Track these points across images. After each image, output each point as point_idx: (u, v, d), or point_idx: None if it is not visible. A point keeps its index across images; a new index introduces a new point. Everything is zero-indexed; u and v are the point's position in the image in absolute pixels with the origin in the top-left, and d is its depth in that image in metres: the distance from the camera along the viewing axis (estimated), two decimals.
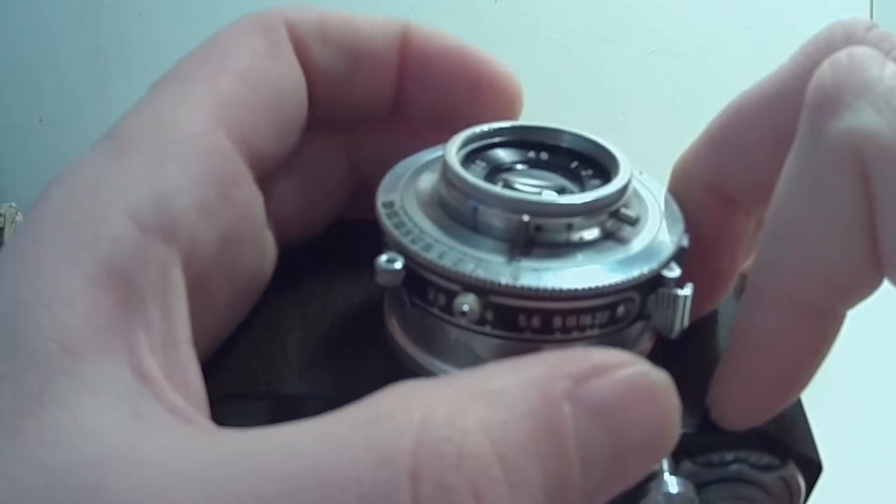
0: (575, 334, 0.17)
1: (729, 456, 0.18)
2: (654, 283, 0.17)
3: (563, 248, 0.17)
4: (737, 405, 0.18)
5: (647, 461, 0.14)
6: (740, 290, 0.20)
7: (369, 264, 0.17)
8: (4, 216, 0.75)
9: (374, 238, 0.18)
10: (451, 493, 0.11)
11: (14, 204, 0.77)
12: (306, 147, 0.20)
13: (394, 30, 0.20)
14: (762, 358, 0.17)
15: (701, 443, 0.18)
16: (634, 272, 0.16)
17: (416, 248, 0.16)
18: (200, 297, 0.16)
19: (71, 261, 0.14)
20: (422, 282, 0.17)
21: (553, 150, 0.20)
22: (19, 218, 0.77)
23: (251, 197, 0.18)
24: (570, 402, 0.13)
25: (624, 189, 0.18)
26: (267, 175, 0.18)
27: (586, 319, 0.17)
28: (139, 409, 0.13)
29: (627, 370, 0.14)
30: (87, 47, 0.75)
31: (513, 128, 0.20)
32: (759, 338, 0.17)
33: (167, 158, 0.16)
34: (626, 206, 0.18)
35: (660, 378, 0.14)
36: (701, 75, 0.69)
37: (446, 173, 0.18)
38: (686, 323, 0.17)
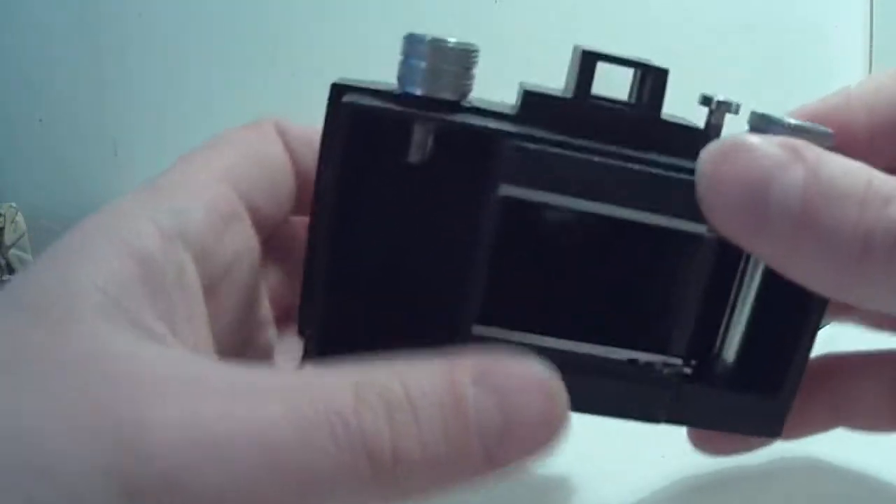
0: None
1: None
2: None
3: None
4: None
5: (537, 438, 0.18)
6: None
7: None
8: (4, 216, 0.75)
9: None
10: (376, 413, 0.17)
11: (14, 204, 0.77)
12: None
13: None
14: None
15: None
16: None
17: None
18: (212, 303, 0.21)
19: (105, 245, 0.18)
20: None
21: None
22: (19, 218, 0.77)
23: (250, 235, 0.23)
24: (473, 382, 0.18)
25: None
26: (266, 230, 0.24)
27: None
28: (149, 344, 0.18)
29: (521, 367, 0.19)
30: (87, 47, 0.75)
31: None
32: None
33: (185, 194, 0.21)
34: None
35: (550, 375, 0.19)
36: (701, 75, 0.69)
37: None
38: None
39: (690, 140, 0.22)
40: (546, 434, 0.18)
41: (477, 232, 0.21)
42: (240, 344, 0.23)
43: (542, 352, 0.21)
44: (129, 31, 0.75)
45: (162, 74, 0.75)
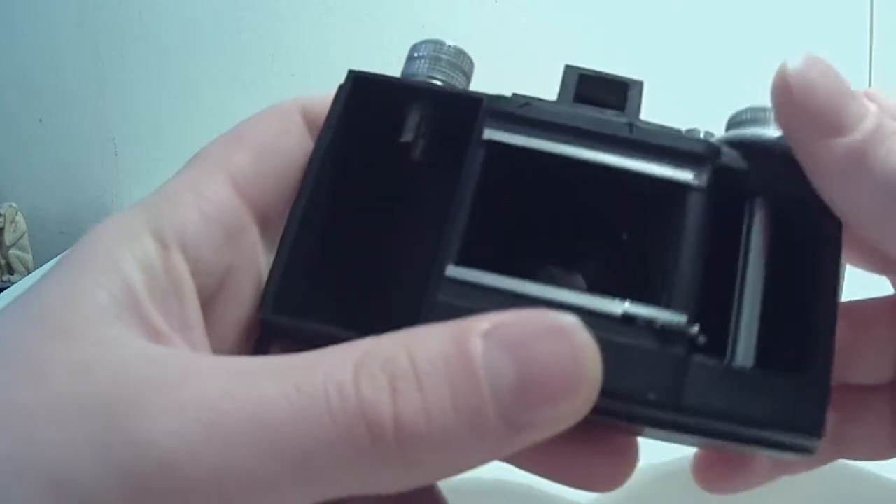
0: None
1: None
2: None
3: None
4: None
5: (561, 393, 0.16)
6: None
7: None
8: (4, 216, 0.75)
9: None
10: (376, 382, 0.16)
11: (14, 204, 0.77)
12: None
13: None
14: None
15: None
16: None
17: None
18: (209, 316, 0.20)
19: (109, 253, 0.18)
20: None
21: None
22: (19, 218, 0.77)
23: (254, 245, 0.22)
24: (482, 337, 0.16)
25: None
26: (273, 230, 0.23)
27: None
28: (152, 343, 0.18)
29: (538, 314, 0.17)
30: (87, 47, 0.75)
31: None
32: None
33: (187, 205, 0.20)
34: None
35: (569, 319, 0.16)
36: (700, 75, 0.69)
37: None
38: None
39: (670, 132, 0.23)
40: (572, 386, 0.16)
41: (461, 176, 0.21)
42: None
43: (521, 299, 0.20)
44: (129, 31, 0.75)
45: (162, 75, 0.75)
